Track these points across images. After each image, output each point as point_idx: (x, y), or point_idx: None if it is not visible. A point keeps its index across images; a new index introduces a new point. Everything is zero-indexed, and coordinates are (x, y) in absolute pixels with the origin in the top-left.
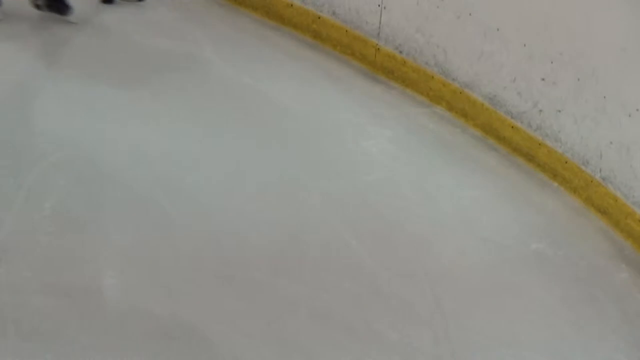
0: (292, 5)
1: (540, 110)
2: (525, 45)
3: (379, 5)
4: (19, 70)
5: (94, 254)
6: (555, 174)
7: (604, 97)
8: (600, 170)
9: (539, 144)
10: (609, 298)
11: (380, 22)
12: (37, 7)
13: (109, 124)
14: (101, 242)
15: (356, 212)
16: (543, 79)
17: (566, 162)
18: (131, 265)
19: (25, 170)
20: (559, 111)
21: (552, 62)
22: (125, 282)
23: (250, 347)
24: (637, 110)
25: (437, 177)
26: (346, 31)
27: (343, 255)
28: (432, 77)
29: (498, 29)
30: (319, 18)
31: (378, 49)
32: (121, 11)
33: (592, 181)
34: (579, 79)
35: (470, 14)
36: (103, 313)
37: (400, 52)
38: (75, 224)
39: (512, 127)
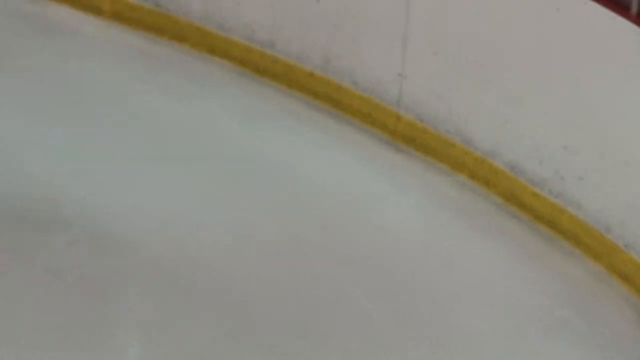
0: (312, 74)
1: (562, 178)
2: (546, 113)
3: (399, 75)
4: None
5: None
6: (578, 240)
7: (626, 163)
8: (623, 237)
9: (561, 211)
10: None
11: (400, 91)
12: None
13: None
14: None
15: (376, 281)
16: (565, 147)
17: (588, 229)
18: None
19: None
20: (581, 178)
21: (574, 130)
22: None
23: None
24: None
25: (458, 246)
26: (367, 100)
27: (360, 320)
28: (454, 145)
29: (519, 98)
30: (340, 87)
31: (398, 117)
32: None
33: (614, 248)
34: (600, 147)
35: (490, 82)
36: None
37: (421, 120)
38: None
39: (534, 194)
